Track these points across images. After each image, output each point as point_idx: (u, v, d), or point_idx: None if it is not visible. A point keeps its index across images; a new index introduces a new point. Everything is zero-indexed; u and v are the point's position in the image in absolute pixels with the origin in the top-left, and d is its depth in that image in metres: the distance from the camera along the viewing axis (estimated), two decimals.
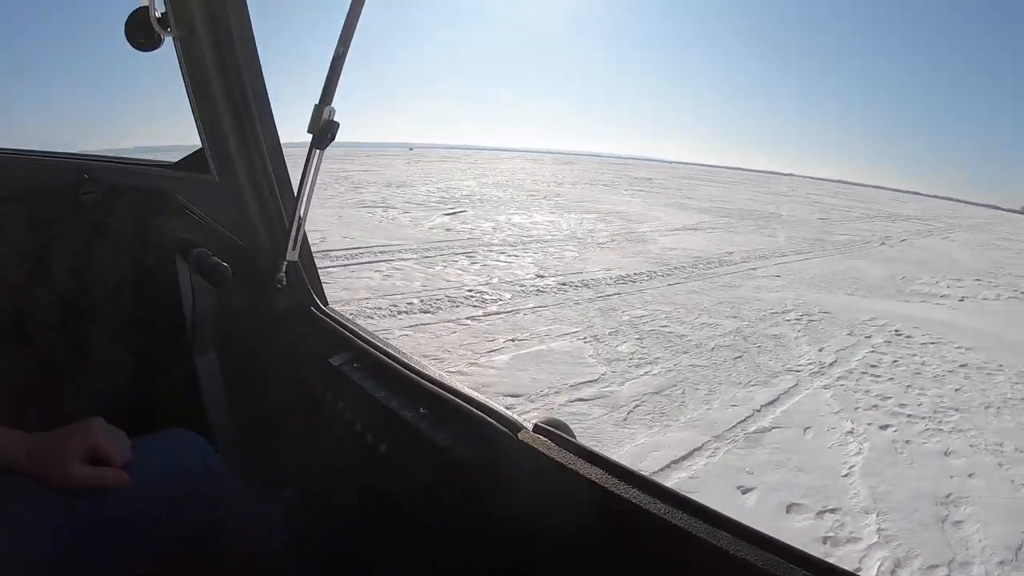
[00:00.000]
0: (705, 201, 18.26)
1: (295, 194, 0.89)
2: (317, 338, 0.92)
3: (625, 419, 3.23)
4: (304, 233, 0.94)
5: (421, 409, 0.70)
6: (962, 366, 5.10)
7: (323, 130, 0.84)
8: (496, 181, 18.00)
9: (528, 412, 2.95)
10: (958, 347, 5.58)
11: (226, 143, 0.90)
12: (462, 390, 0.70)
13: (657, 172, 43.77)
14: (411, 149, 48.22)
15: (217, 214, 0.93)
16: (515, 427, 0.64)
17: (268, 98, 0.88)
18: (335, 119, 0.85)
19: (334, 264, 5.62)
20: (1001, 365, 5.15)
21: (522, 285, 5.59)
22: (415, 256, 6.31)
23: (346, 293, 4.77)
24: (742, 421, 3.48)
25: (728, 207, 16.87)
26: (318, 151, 0.85)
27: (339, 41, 0.79)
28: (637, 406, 3.38)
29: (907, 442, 3.61)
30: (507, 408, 0.67)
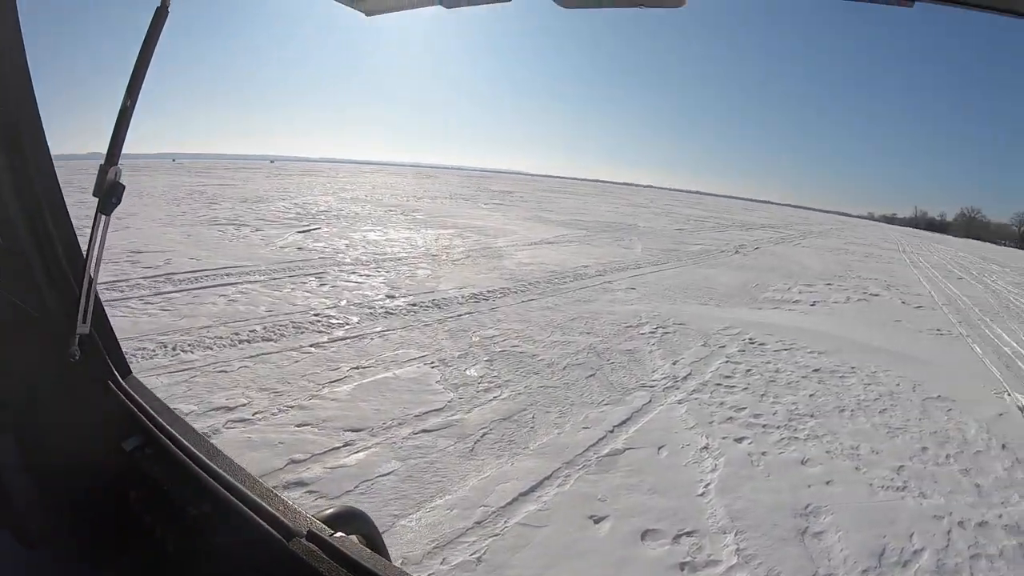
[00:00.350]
0: (564, 214, 28.94)
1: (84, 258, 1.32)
2: (112, 418, 1.40)
3: (472, 450, 4.71)
4: (98, 298, 1.39)
5: (204, 507, 1.14)
6: (815, 371, 7.97)
7: (108, 193, 1.26)
8: (355, 196, 27.55)
9: (339, 479, 4.26)
10: (811, 352, 8.72)
11: (5, 205, 1.29)
12: (243, 489, 1.12)
13: (518, 185, 68.09)
14: (272, 162, 74.72)
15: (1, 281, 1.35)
16: (289, 532, 1.02)
17: (50, 154, 1.32)
18: (121, 180, 1.29)
19: (177, 289, 8.47)
20: (853, 367, 8.34)
21: (371, 307, 8.42)
22: (263, 278, 9.24)
23: (187, 321, 7.13)
24: (594, 444, 5.09)
25: (586, 219, 26.96)
26: (104, 216, 1.27)
27: (126, 93, 1.18)
28: (485, 434, 4.97)
29: (763, 454, 5.37)
30: (296, 499, 1.53)
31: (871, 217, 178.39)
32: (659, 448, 5.21)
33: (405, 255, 12.88)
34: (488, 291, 10.26)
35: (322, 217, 18.26)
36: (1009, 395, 8.00)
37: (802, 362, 8.26)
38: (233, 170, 44.51)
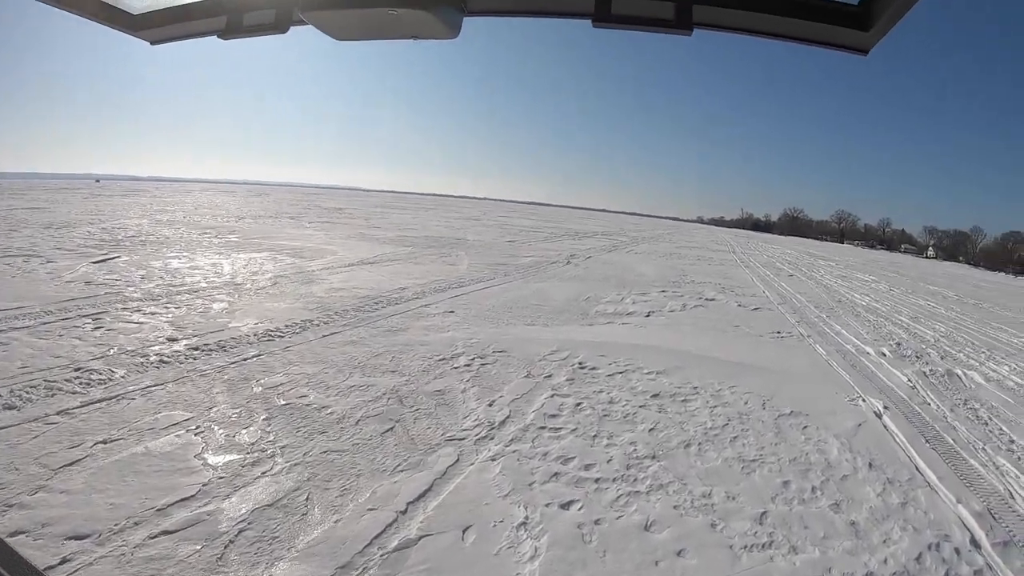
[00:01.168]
0: (392, 230, 29.10)
1: None
2: None
3: (221, 558, 3.88)
4: None
5: None
6: (654, 396, 7.39)
7: None
8: (172, 218, 26.64)
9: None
10: (648, 372, 8.20)
11: None
12: None
13: (352, 201, 69.48)
14: (97, 181, 77.38)
15: None
16: None
17: None
18: None
19: None
20: (696, 387, 7.93)
21: (145, 355, 7.49)
22: (32, 323, 8.52)
23: None
24: (381, 534, 4.24)
25: (414, 235, 27.00)
26: None
27: None
28: (242, 531, 4.17)
29: (597, 523, 4.45)
30: None
31: (701, 221, 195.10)
32: (464, 531, 4.27)
33: (206, 285, 11.92)
34: (287, 325, 9.34)
35: (127, 243, 16.97)
36: (863, 400, 7.95)
37: (639, 387, 7.65)
38: (53, 191, 40.37)
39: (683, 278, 19.78)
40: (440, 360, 8.08)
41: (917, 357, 11.12)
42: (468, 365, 7.94)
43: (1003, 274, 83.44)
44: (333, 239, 22.37)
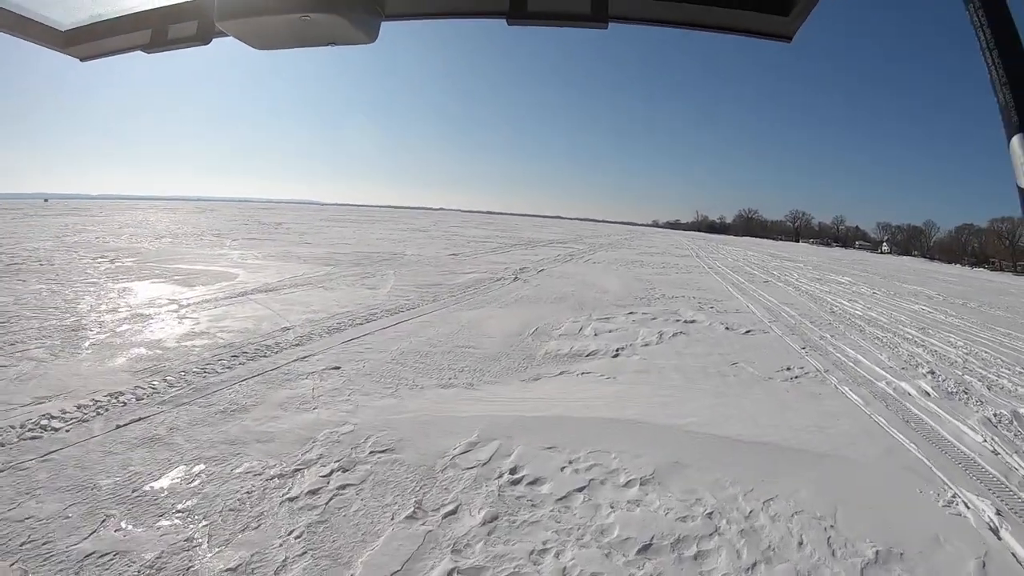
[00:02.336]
0: (324, 246, 25.92)
1: None
2: None
3: None
4: None
5: None
6: (643, 550, 4.06)
7: None
8: (82, 240, 23.92)
9: None
10: (626, 485, 5.03)
11: None
12: None
13: (301, 216, 66.50)
14: (46, 201, 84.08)
15: None
16: None
17: None
18: None
19: None
20: (710, 514, 4.90)
21: None
22: None
23: None
24: None
25: (346, 251, 23.68)
26: None
27: None
28: None
29: None
30: None
31: (656, 224, 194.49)
32: None
33: (30, 330, 8.92)
34: (63, 414, 5.84)
35: (5, 272, 14.19)
36: (961, 500, 4.85)
37: (616, 529, 4.30)
38: None
39: (651, 292, 16.63)
40: (276, 479, 4.69)
41: (964, 393, 8.33)
42: (316, 491, 4.52)
43: (959, 266, 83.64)
44: (246, 260, 18.85)
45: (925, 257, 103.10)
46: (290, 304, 11.64)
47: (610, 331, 10.70)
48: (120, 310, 10.42)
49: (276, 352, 8.30)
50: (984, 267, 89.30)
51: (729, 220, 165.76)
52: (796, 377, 8.60)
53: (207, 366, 7.54)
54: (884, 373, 9.09)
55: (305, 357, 8.12)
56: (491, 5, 1.19)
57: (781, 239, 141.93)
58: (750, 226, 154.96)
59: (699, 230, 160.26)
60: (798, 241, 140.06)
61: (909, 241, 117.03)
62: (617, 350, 9.31)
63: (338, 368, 7.68)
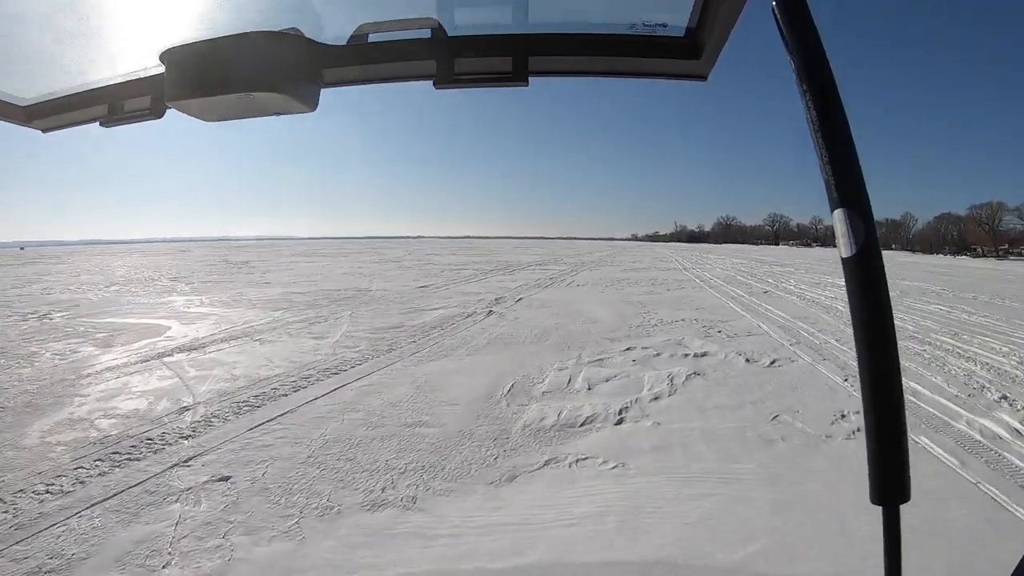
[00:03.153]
0: (283, 286, 23.70)
1: None
2: None
3: None
4: None
5: None
6: None
7: None
8: (27, 292, 22.32)
9: None
10: None
11: None
12: None
13: (272, 253, 62.26)
14: (22, 249, 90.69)
15: None
16: None
17: None
18: None
19: None
20: None
21: None
22: None
23: None
24: None
25: (304, 291, 21.17)
26: None
27: None
28: None
29: None
30: None
31: (635, 238, 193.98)
32: None
33: None
34: None
35: None
36: None
37: None
38: None
39: (647, 317, 14.40)
40: None
41: None
42: None
43: (941, 256, 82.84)
44: (188, 308, 16.53)
45: (907, 250, 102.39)
46: (209, 368, 9.27)
47: (607, 380, 8.42)
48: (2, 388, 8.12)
49: (157, 450, 5.94)
50: (966, 254, 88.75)
51: (708, 228, 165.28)
52: (858, 430, 6.39)
53: (51, 484, 5.20)
54: (960, 409, 6.95)
55: (191, 459, 5.73)
56: (419, 71, 1.26)
57: (761, 243, 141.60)
58: (729, 233, 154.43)
59: (679, 240, 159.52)
60: (777, 244, 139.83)
61: (888, 235, 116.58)
62: (621, 411, 6.99)
63: (227, 479, 5.29)
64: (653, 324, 13.38)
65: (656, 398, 7.57)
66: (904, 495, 0.69)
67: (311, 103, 1.23)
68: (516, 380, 8.39)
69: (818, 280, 27.45)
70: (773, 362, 9.65)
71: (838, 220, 0.71)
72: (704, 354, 10.15)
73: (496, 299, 17.93)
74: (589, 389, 7.95)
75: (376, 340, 11.47)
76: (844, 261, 0.70)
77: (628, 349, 10.51)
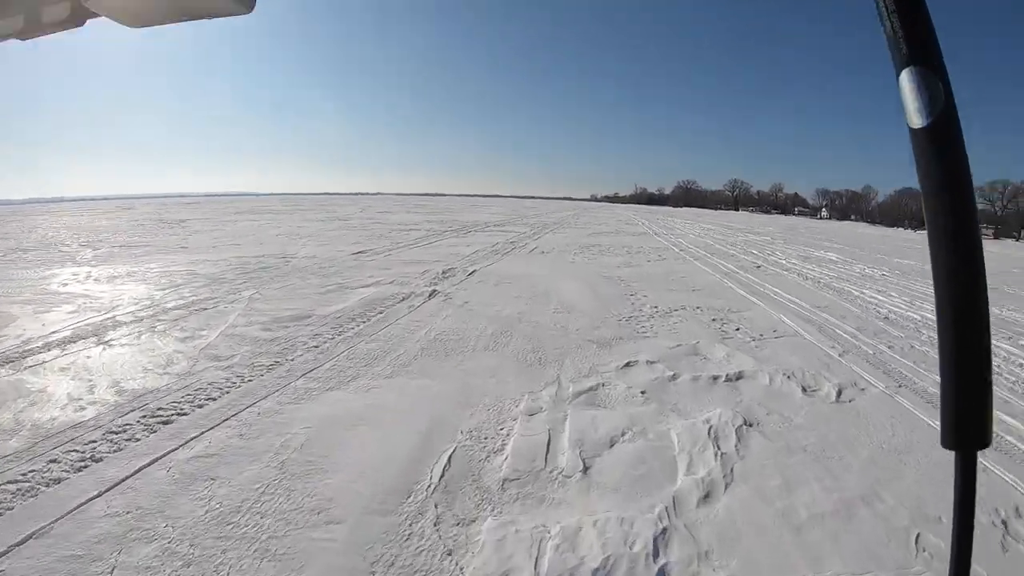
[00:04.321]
0: (201, 251, 19.33)
1: None
2: None
3: None
4: None
5: None
6: None
7: None
8: None
9: None
10: None
11: None
12: None
13: (214, 209, 55.34)
14: None
15: None
16: None
17: None
18: None
19: None
20: None
21: None
22: None
23: None
24: None
25: (220, 259, 17.33)
26: None
27: None
28: None
29: None
30: None
31: (595, 199, 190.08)
32: None
33: None
34: None
35: None
36: None
37: None
38: None
39: (637, 303, 11.09)
40: None
41: None
42: None
43: (902, 230, 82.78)
44: (66, 285, 12.50)
45: (867, 221, 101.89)
46: None
47: (611, 443, 5.01)
48: None
49: None
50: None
51: (668, 191, 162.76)
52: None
53: None
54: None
55: None
56: None
57: (721, 208, 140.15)
58: (689, 196, 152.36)
59: (638, 203, 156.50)
60: (738, 210, 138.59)
61: (848, 206, 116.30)
62: (654, 544, 3.67)
63: None
64: (648, 315, 10.06)
65: (707, 496, 4.20)
66: (984, 440, 0.60)
67: (246, 3, 1.02)
68: (457, 443, 4.93)
69: (805, 254, 24.56)
70: (840, 393, 6.46)
71: (907, 82, 0.57)
72: (739, 376, 6.88)
73: (444, 271, 14.32)
74: (584, 471, 4.50)
75: (264, 344, 7.84)
76: (915, 132, 0.57)
77: (628, 365, 7.14)
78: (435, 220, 39.39)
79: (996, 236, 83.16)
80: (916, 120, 0.57)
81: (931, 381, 6.99)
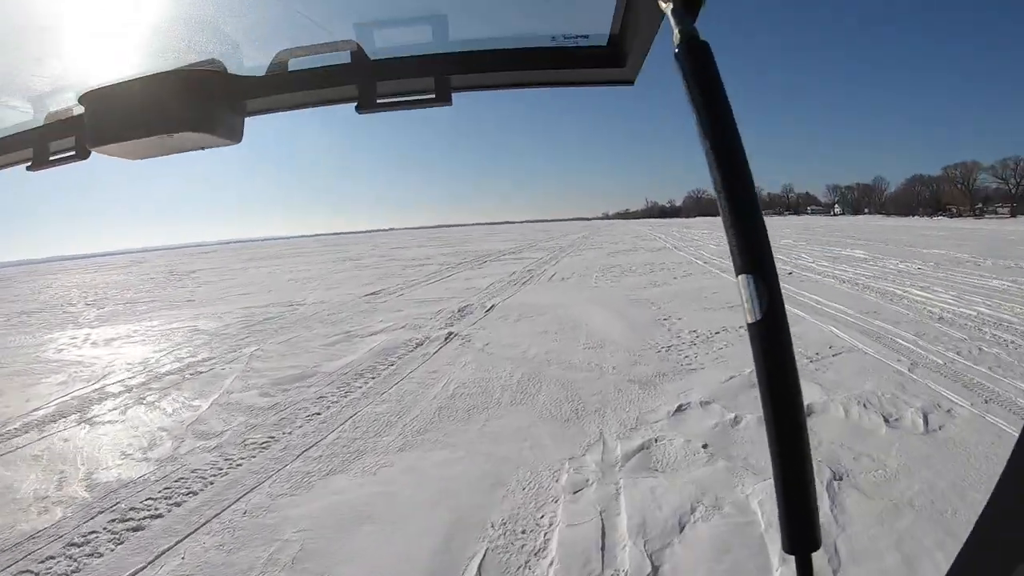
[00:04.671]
0: (206, 305, 18.18)
1: None
2: None
3: None
4: None
5: None
6: None
7: None
8: None
9: None
10: None
11: None
12: None
13: (233, 257, 56.16)
14: None
15: None
16: None
17: None
18: None
19: None
20: None
21: None
22: None
23: None
24: None
25: (223, 313, 16.02)
26: None
27: None
28: None
29: None
30: None
31: (607, 216, 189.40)
32: None
33: None
34: None
35: None
36: None
37: None
38: None
39: (673, 328, 10.06)
40: None
41: None
42: None
43: (917, 218, 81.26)
44: (60, 352, 11.73)
45: (881, 213, 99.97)
46: None
47: (680, 522, 3.93)
48: None
49: None
50: (941, 215, 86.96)
51: (679, 203, 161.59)
52: None
53: None
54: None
55: None
56: (342, 95, 1.21)
57: None
58: (700, 206, 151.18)
59: (651, 216, 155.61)
60: None
61: (861, 199, 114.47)
62: None
63: None
64: (688, 342, 9.01)
65: None
66: (815, 543, 0.69)
67: (235, 136, 1.21)
68: (488, 542, 3.85)
69: (832, 254, 23.41)
70: (926, 420, 5.41)
71: (743, 285, 0.69)
72: (809, 411, 5.82)
73: (460, 309, 13.33)
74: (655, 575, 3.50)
75: (260, 413, 6.88)
76: (750, 326, 0.69)
77: (680, 409, 6.09)
78: (449, 252, 38.66)
79: (1013, 215, 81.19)
80: (749, 316, 0.68)
81: (1018, 390, 5.95)
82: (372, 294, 17.64)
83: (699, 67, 0.70)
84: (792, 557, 0.69)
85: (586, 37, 1.11)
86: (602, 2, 1.02)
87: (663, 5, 0.77)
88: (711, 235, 43.41)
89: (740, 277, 0.68)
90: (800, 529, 0.68)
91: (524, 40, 1.13)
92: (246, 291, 21.38)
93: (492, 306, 13.59)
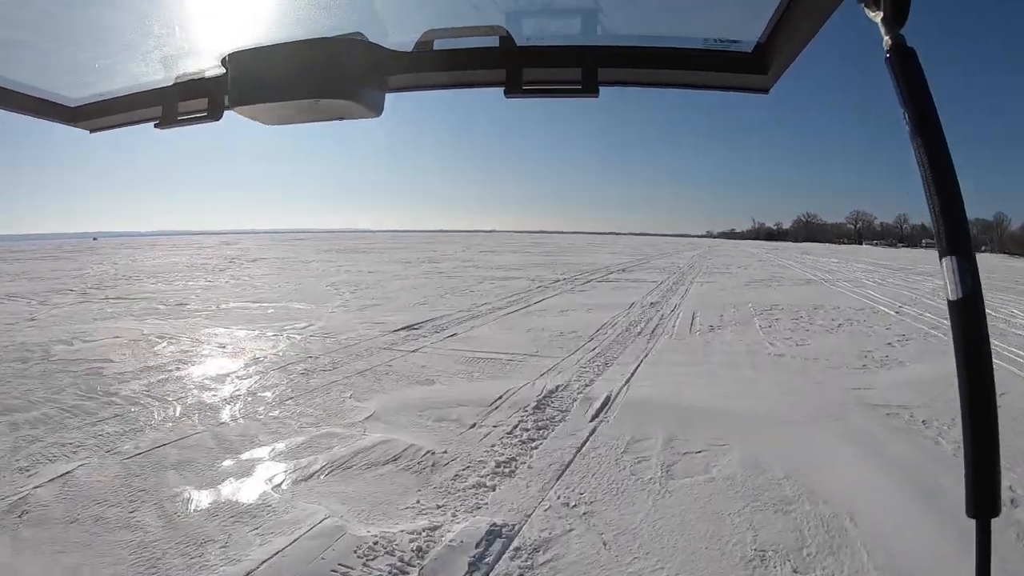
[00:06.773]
0: (235, 300, 15.59)
1: None
2: None
3: None
4: None
5: None
6: None
7: None
8: None
9: None
10: None
11: None
12: None
13: (314, 246, 54.70)
14: (95, 239, 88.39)
15: None
16: None
17: None
18: None
19: None
20: None
21: None
22: None
23: None
24: None
25: (248, 314, 13.14)
26: None
27: None
28: None
29: None
30: None
31: (711, 235, 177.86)
32: None
33: None
34: None
35: None
36: None
37: None
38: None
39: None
40: None
41: None
42: None
43: None
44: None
45: (1004, 252, 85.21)
46: None
47: None
48: None
49: None
50: None
51: (787, 226, 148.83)
52: None
53: None
54: None
55: None
56: (487, 78, 1.18)
57: (844, 242, 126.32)
58: (809, 231, 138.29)
59: (756, 238, 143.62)
60: (860, 243, 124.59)
61: (979, 236, 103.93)
62: None
63: None
64: None
65: None
66: (995, 510, 0.70)
67: (376, 108, 1.17)
68: None
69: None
70: None
71: (946, 267, 0.70)
72: None
73: (546, 394, 6.88)
74: None
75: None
76: (950, 303, 0.70)
77: None
78: (545, 263, 31.91)
79: None
80: (952, 294, 0.68)
81: None
82: (412, 326, 11.40)
83: (909, 72, 0.71)
84: (973, 522, 0.69)
85: (736, 42, 1.09)
86: (757, 9, 0.99)
87: (871, 14, 0.76)
88: (846, 266, 34.74)
89: (944, 259, 0.70)
90: (985, 496, 0.69)
91: (672, 39, 1.10)
92: (291, 294, 16.09)
93: (610, 387, 7.07)
